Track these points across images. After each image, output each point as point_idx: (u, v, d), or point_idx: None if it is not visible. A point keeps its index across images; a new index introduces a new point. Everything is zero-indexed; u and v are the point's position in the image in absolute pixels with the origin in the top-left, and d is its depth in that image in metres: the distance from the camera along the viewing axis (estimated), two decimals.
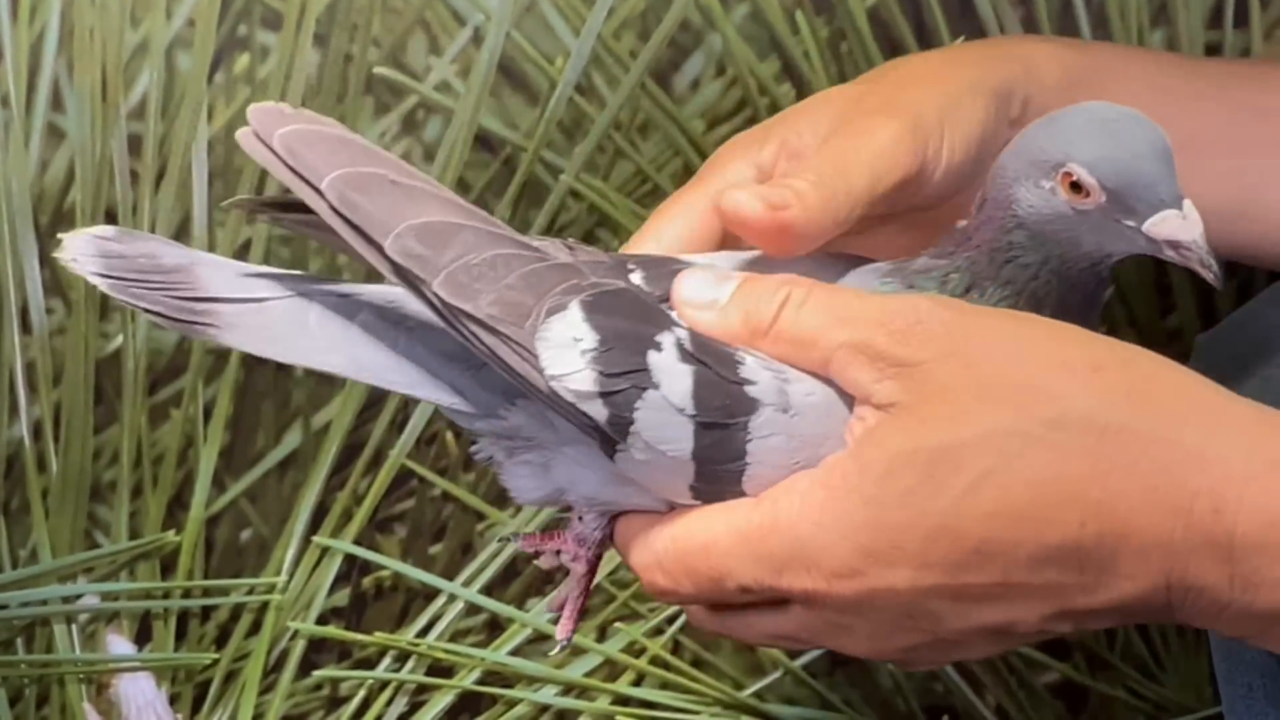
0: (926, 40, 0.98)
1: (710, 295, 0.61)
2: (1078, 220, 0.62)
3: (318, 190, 0.58)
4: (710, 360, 0.60)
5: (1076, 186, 0.61)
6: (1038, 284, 0.63)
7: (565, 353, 0.59)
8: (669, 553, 0.61)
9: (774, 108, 0.96)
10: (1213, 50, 1.03)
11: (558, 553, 0.63)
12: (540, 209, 0.91)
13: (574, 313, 0.59)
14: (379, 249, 0.58)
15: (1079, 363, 0.60)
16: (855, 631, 0.61)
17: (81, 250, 0.60)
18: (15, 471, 0.86)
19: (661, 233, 0.65)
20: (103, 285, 0.60)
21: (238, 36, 0.94)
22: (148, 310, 0.60)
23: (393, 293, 0.61)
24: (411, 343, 0.61)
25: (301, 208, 0.60)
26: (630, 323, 0.60)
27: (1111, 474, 0.59)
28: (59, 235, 0.61)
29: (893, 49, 0.98)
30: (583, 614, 0.64)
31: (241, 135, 0.59)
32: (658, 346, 0.60)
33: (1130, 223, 0.61)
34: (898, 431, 0.59)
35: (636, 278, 0.62)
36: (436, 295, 0.58)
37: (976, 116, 0.67)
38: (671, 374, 0.60)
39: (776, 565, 0.60)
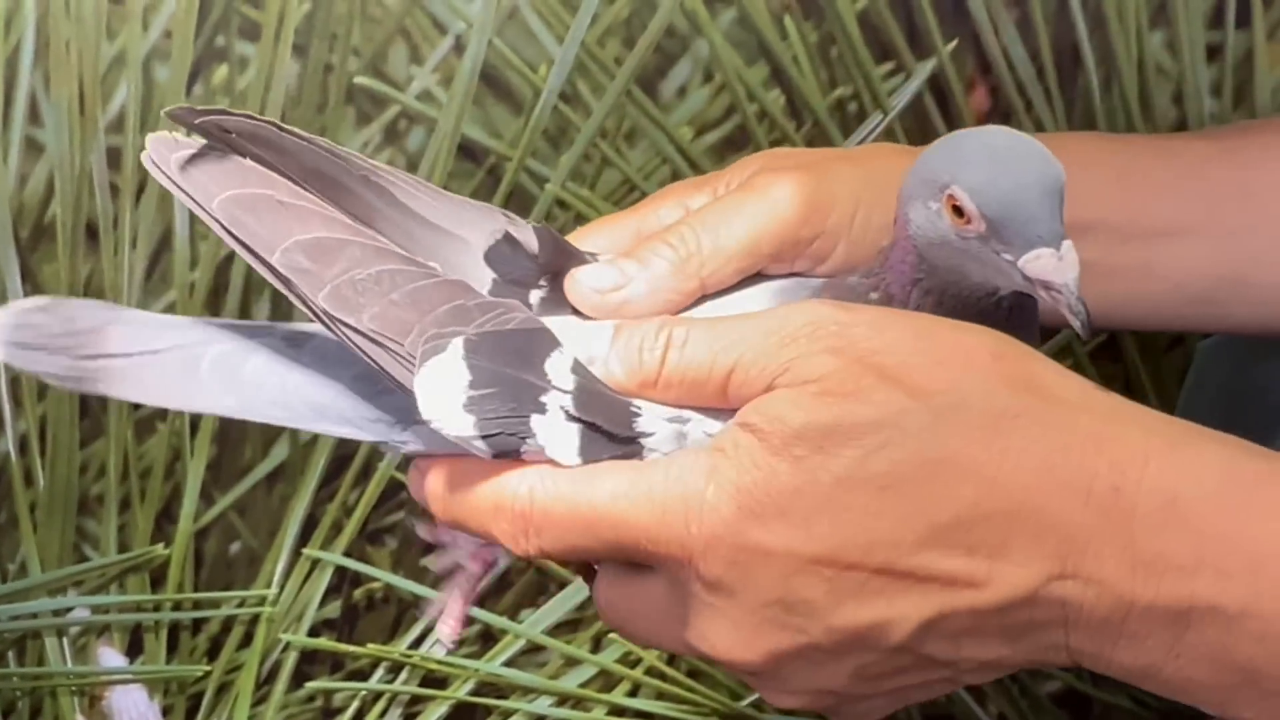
0: (918, 44, 1.06)
1: (587, 352, 0.66)
2: (962, 247, 0.65)
3: (209, 212, 0.66)
4: (601, 419, 0.65)
5: (959, 211, 0.65)
6: (943, 312, 0.67)
7: (442, 396, 0.64)
8: (564, 510, 0.65)
9: (763, 114, 1.04)
10: (1214, 52, 1.09)
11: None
12: (526, 218, 1.01)
13: (454, 352, 0.64)
14: (268, 264, 0.65)
15: (979, 351, 0.64)
16: (718, 616, 0.64)
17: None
18: (2, 486, 0.94)
19: (587, 248, 0.71)
20: (1, 353, 0.67)
21: (216, 47, 1.05)
22: (36, 371, 0.67)
23: (297, 331, 0.68)
24: (306, 380, 0.68)
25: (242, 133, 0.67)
26: (514, 372, 0.65)
27: (1008, 454, 0.63)
28: None
29: (884, 53, 1.06)
30: (468, 619, 0.70)
31: (144, 159, 0.67)
32: (541, 408, 0.65)
33: (1008, 256, 0.65)
34: (793, 404, 0.64)
35: (535, 297, 0.69)
36: (321, 308, 0.65)
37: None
38: (557, 433, 0.65)
39: (657, 512, 0.64)
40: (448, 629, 0.70)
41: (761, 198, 0.70)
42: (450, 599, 0.69)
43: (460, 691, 0.89)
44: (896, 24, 1.05)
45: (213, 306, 0.99)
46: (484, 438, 0.64)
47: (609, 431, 0.65)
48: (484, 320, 0.66)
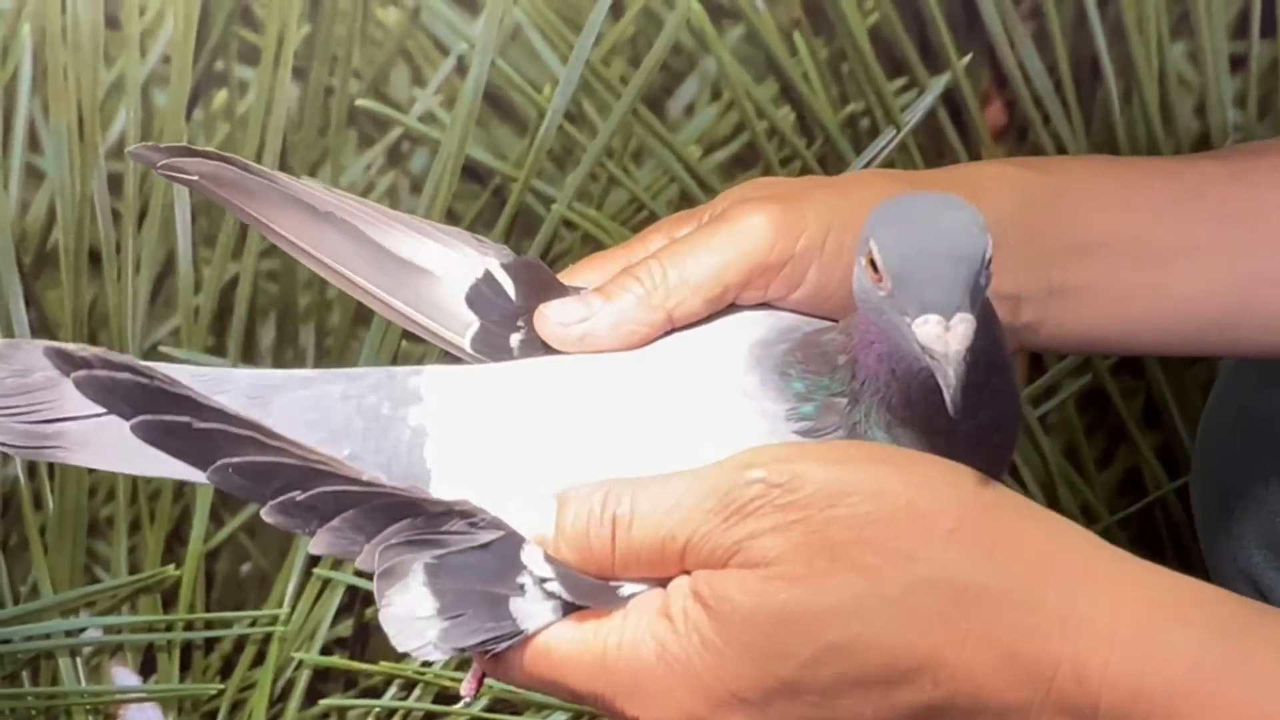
0: (932, 58, 1.14)
1: (534, 524, 0.70)
2: (880, 308, 0.70)
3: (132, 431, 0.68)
4: (589, 601, 0.70)
5: (874, 266, 0.69)
6: (901, 382, 0.71)
7: (412, 626, 0.69)
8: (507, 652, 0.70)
9: (772, 131, 1.13)
10: (1238, 62, 1.17)
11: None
12: (533, 239, 1.08)
13: (416, 579, 0.69)
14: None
15: (936, 520, 0.68)
16: None
17: None
18: (12, 509, 1.04)
19: (575, 284, 0.75)
20: None
21: (215, 71, 1.14)
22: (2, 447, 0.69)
23: (265, 385, 0.72)
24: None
25: (209, 161, 0.72)
26: (483, 584, 0.69)
27: (968, 638, 0.67)
28: None
29: (896, 68, 1.14)
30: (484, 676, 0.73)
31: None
32: (519, 590, 0.70)
33: (907, 318, 0.69)
34: (741, 586, 0.68)
35: (515, 340, 0.74)
36: (268, 520, 0.69)
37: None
38: (539, 614, 0.70)
39: (612, 686, 0.69)
40: (465, 686, 0.74)
41: (731, 228, 0.75)
42: (476, 664, 0.74)
43: (475, 707, 1.00)
44: (909, 38, 1.13)
45: (217, 331, 1.09)
46: (459, 650, 0.69)
47: (596, 605, 0.70)
48: (441, 537, 0.69)
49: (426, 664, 1.01)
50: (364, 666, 1.02)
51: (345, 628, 1.06)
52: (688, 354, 0.75)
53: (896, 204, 0.71)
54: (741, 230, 0.75)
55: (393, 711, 1.01)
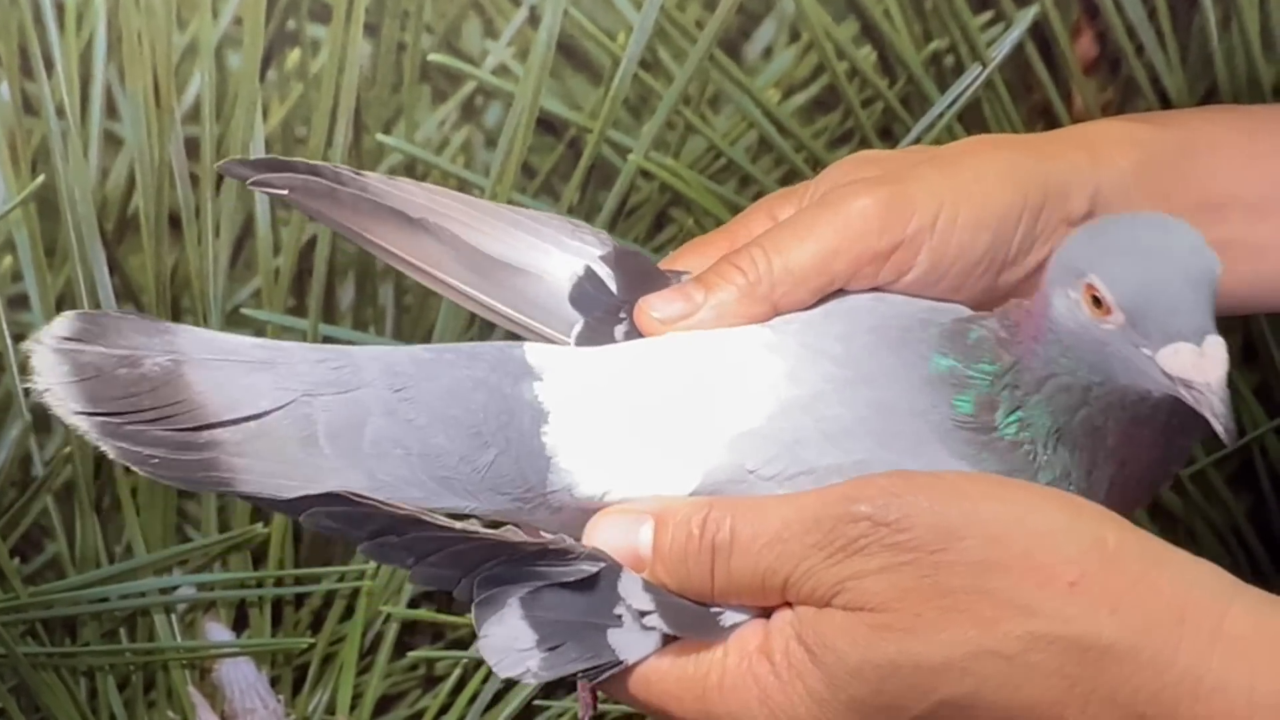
0: None
1: (629, 546, 0.76)
2: (1103, 341, 0.73)
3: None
4: (690, 632, 0.75)
5: (1098, 301, 0.73)
6: (1090, 411, 0.75)
7: (511, 656, 0.76)
8: (612, 678, 0.76)
9: (853, 72, 1.21)
10: None
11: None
12: (610, 191, 1.18)
13: (513, 612, 0.75)
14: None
15: (1056, 571, 0.71)
16: None
17: (54, 372, 0.73)
18: (104, 473, 1.16)
19: (677, 270, 0.82)
20: (92, 434, 0.73)
21: (287, 31, 1.24)
22: (153, 469, 0.73)
23: (399, 372, 0.76)
24: (423, 445, 0.77)
25: (306, 172, 0.77)
26: (580, 615, 0.75)
27: (1091, 700, 0.70)
28: (23, 347, 0.74)
29: (982, 3, 1.22)
30: (597, 699, 0.80)
31: None
32: (618, 621, 0.76)
33: (1146, 350, 0.72)
34: (848, 634, 0.72)
35: (620, 333, 0.80)
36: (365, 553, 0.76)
37: (997, 199, 0.80)
38: (639, 645, 0.76)
39: None
40: (582, 711, 0.82)
41: (835, 213, 0.79)
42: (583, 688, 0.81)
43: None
44: None
45: (298, 291, 1.20)
46: (574, 676, 0.76)
47: (697, 635, 0.76)
48: (538, 568, 0.76)
49: None
50: (450, 619, 1.14)
51: None
52: (812, 338, 0.80)
53: (1106, 233, 0.74)
54: (847, 216, 0.79)
55: (480, 662, 1.12)
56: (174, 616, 1.16)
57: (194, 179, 1.17)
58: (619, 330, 0.81)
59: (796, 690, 0.73)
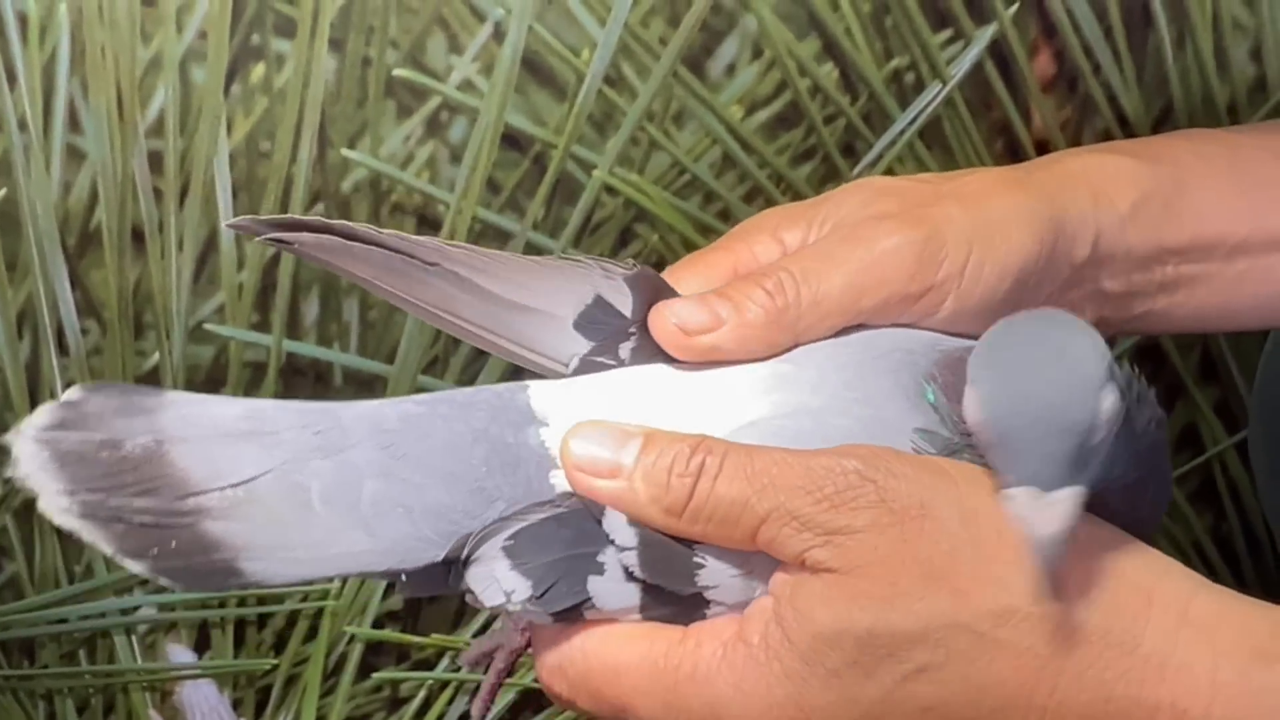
0: (977, 9, 1.16)
1: (609, 458, 0.71)
2: (982, 448, 0.70)
3: None
4: (664, 580, 0.71)
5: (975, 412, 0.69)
6: None
7: (498, 595, 0.71)
8: (576, 665, 0.71)
9: (816, 89, 1.15)
10: None
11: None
12: (574, 207, 1.12)
13: (501, 566, 0.70)
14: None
15: (1029, 551, 0.67)
16: None
17: (35, 459, 0.68)
18: None
19: (679, 289, 0.75)
20: (74, 523, 0.68)
21: (251, 46, 1.17)
22: (138, 553, 0.68)
23: (387, 429, 0.71)
24: (423, 503, 0.72)
25: (314, 230, 0.72)
26: (564, 551, 0.71)
27: (1061, 678, 0.67)
28: (4, 439, 0.69)
29: (941, 20, 1.16)
30: (495, 693, 0.76)
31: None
32: (599, 569, 0.71)
33: (1001, 475, 0.68)
34: (826, 602, 0.68)
35: (625, 350, 0.74)
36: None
37: (1020, 246, 0.75)
38: (617, 595, 0.71)
39: (685, 718, 0.70)
40: (478, 708, 0.77)
41: (866, 249, 0.74)
42: (489, 676, 0.77)
43: (527, 679, 1.04)
44: None
45: (262, 307, 1.13)
46: (550, 615, 0.71)
47: (672, 589, 0.71)
48: (518, 518, 0.71)
49: (478, 636, 1.05)
50: (416, 640, 1.07)
51: (396, 601, 1.11)
52: (822, 359, 0.75)
53: (1002, 344, 0.70)
54: (879, 255, 0.74)
55: (445, 684, 1.07)
56: (134, 637, 1.09)
57: (157, 193, 1.11)
58: (625, 347, 0.75)
59: (773, 672, 0.69)
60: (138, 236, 1.10)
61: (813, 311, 0.74)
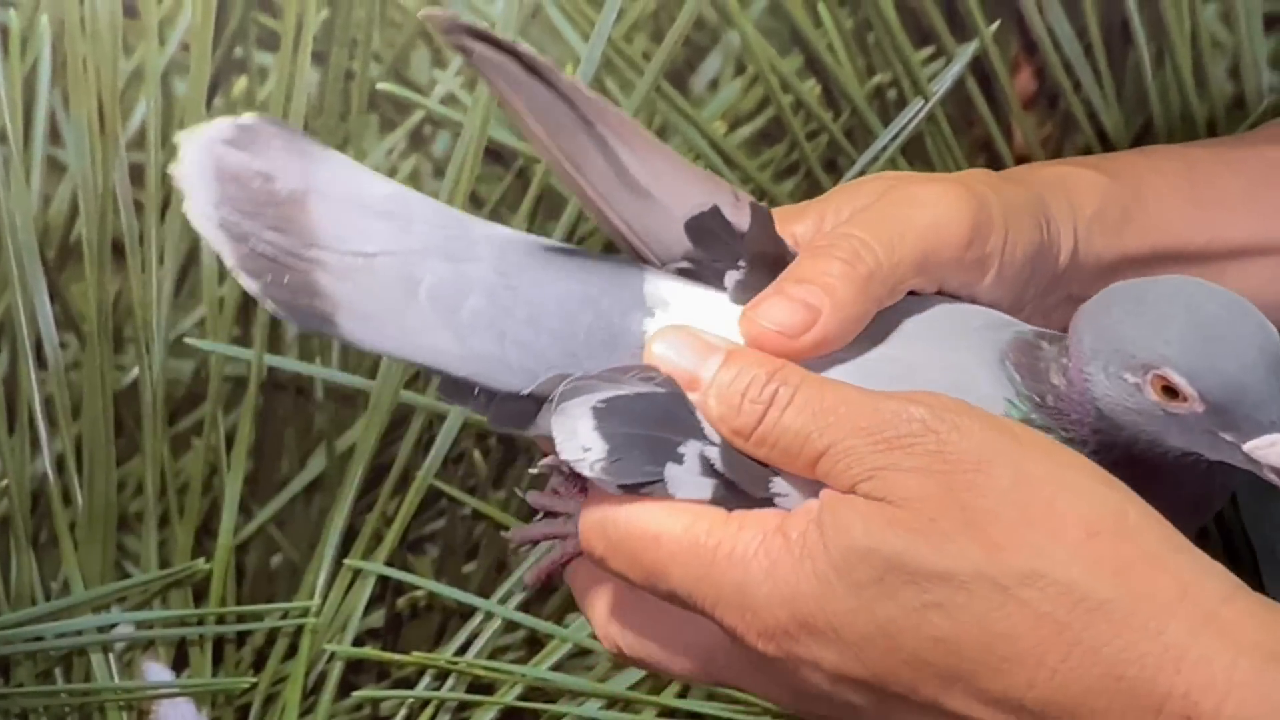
0: (959, 26, 1.14)
1: (689, 369, 0.71)
2: (1165, 420, 0.69)
3: None
4: (739, 479, 0.70)
5: (1170, 391, 0.69)
6: (1137, 449, 0.70)
7: (575, 450, 0.70)
8: (619, 526, 0.70)
9: (798, 105, 1.13)
10: (1272, 22, 1.16)
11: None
12: (557, 221, 1.09)
13: (585, 424, 0.69)
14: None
15: (1075, 523, 0.67)
16: (763, 679, 0.71)
17: (196, 166, 0.70)
18: (41, 506, 1.06)
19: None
20: (210, 232, 0.70)
21: (234, 59, 1.15)
22: (253, 274, 0.69)
23: (511, 261, 0.71)
24: (517, 337, 0.72)
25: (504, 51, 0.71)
26: (650, 429, 0.70)
27: (1076, 648, 0.66)
28: (175, 137, 0.71)
29: (923, 37, 1.15)
30: (549, 577, 0.74)
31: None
32: (678, 458, 0.70)
33: (1229, 437, 0.68)
34: (865, 520, 0.68)
35: (731, 279, 0.73)
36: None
37: (1030, 232, 0.75)
38: (691, 485, 0.70)
39: (714, 592, 0.69)
40: (531, 576, 0.75)
41: (929, 211, 0.73)
42: (545, 559, 0.75)
43: (508, 697, 1.01)
44: (936, 6, 1.13)
45: (243, 321, 1.10)
46: (619, 486, 0.70)
47: (746, 491, 0.70)
48: (615, 381, 0.70)
49: (459, 654, 1.03)
50: (396, 657, 1.03)
51: (377, 618, 1.08)
52: (912, 327, 0.73)
53: (1171, 321, 0.69)
54: (941, 216, 0.73)
55: (426, 702, 1.03)
56: (112, 656, 1.06)
57: (138, 206, 1.08)
58: (731, 276, 0.74)
59: (804, 569, 0.69)
60: (118, 249, 1.07)
61: (892, 274, 0.73)
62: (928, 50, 1.15)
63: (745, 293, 0.73)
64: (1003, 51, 1.16)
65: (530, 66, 0.73)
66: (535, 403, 0.71)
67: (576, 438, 0.70)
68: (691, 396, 0.71)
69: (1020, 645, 0.67)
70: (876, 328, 0.73)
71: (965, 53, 1.13)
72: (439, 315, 0.71)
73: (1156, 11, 1.15)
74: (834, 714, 0.71)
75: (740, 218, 0.74)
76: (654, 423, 0.70)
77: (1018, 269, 0.75)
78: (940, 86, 1.13)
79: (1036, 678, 0.67)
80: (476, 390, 0.72)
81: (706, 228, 0.74)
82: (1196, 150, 0.83)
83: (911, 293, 0.74)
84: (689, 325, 0.72)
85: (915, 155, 1.16)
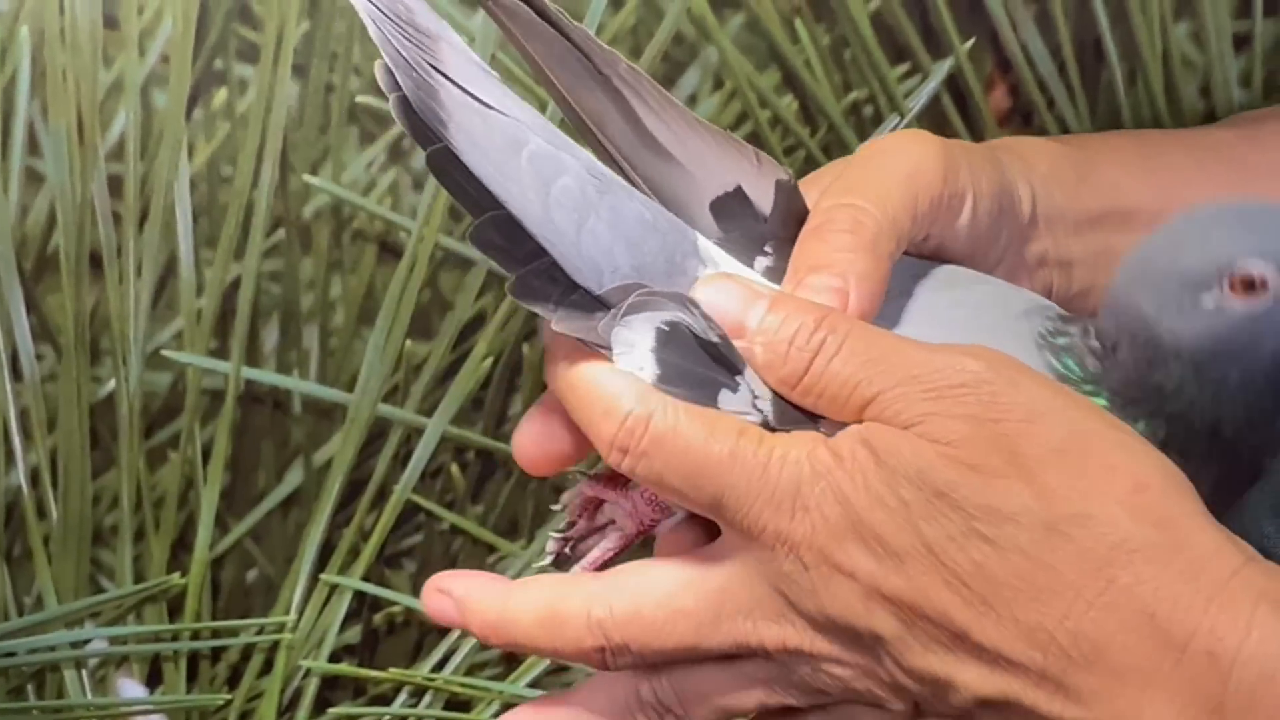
0: (934, 44, 1.12)
1: (735, 315, 0.69)
2: (1249, 326, 0.69)
3: None
4: (785, 427, 0.69)
5: (1249, 284, 0.69)
6: (1221, 409, 0.70)
7: (631, 364, 0.69)
8: (667, 419, 0.68)
9: (776, 120, 1.11)
10: (1242, 42, 1.14)
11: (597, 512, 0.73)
12: None
13: (644, 345, 0.69)
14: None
15: (1124, 476, 0.67)
16: (787, 595, 0.68)
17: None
18: (15, 519, 1.02)
19: None
20: (365, 16, 0.69)
21: (214, 70, 1.12)
22: (393, 62, 0.68)
23: (600, 169, 0.71)
24: (593, 229, 0.70)
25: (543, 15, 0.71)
26: (703, 368, 0.69)
27: (1112, 585, 0.66)
28: None
29: (899, 54, 1.12)
30: (600, 563, 0.72)
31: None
32: (732, 386, 0.69)
33: None
34: (915, 450, 0.67)
35: (761, 265, 0.72)
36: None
37: (992, 173, 0.75)
38: (739, 406, 0.69)
39: (765, 492, 0.67)
40: (578, 566, 0.73)
41: (903, 159, 0.72)
42: (596, 548, 0.73)
43: (485, 714, 0.97)
44: (911, 24, 1.11)
45: (220, 333, 1.07)
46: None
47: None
48: (685, 305, 0.69)
49: (436, 670, 1.00)
50: (373, 674, 0.99)
51: (353, 634, 1.04)
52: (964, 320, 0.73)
53: (1222, 224, 0.70)
54: (917, 161, 0.73)
55: (403, 719, 0.99)
56: (85, 672, 1.01)
57: (116, 217, 1.04)
58: (760, 262, 0.73)
59: (855, 481, 0.68)
60: (95, 261, 1.04)
61: (893, 229, 0.72)
62: (903, 67, 1.13)
63: (774, 276, 0.72)
64: (977, 69, 1.14)
65: (541, 11, 0.72)
66: (604, 307, 0.70)
67: (634, 354, 0.69)
68: (738, 344, 0.69)
69: (1061, 578, 0.66)
70: (920, 315, 0.73)
71: (940, 70, 1.11)
72: (533, 178, 0.70)
73: (1129, 30, 1.13)
74: (847, 651, 0.69)
75: (762, 187, 0.73)
76: (709, 363, 0.69)
77: (987, 207, 0.74)
78: (916, 103, 1.10)
79: (1073, 609, 0.66)
80: (547, 281, 0.70)
81: (730, 211, 0.73)
82: (1150, 131, 0.86)
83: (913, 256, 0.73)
84: (735, 273, 0.71)
85: None
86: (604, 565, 0.73)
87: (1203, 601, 0.66)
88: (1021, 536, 0.66)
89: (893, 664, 0.68)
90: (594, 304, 0.70)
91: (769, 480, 0.68)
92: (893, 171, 0.72)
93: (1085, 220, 0.78)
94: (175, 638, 1.00)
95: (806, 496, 0.68)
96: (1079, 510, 0.67)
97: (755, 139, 1.12)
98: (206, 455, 1.02)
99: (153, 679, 1.02)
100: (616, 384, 0.69)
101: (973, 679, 0.67)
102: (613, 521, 0.73)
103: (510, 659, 1.02)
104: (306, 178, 1.08)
